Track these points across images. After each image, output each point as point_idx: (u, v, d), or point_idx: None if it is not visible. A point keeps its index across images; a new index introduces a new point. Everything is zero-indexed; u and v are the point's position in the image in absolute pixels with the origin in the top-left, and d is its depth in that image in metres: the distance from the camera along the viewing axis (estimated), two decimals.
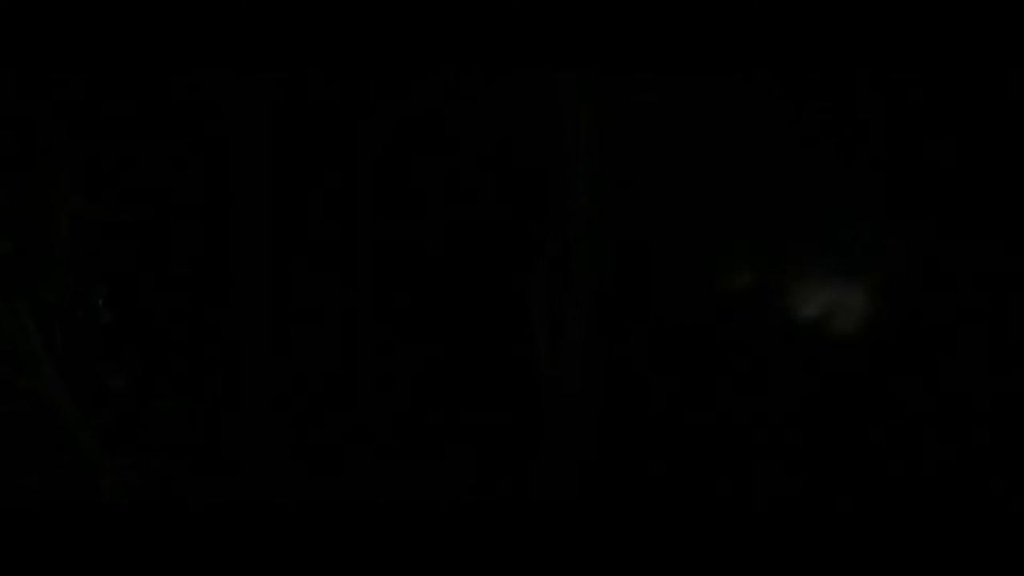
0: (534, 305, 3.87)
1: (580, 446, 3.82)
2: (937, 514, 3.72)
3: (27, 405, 3.22)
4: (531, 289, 3.89)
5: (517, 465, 3.81)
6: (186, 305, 3.61)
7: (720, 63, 3.76)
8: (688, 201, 4.01)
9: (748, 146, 4.01)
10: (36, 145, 3.52)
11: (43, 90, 3.54)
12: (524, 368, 3.91)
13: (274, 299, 3.71)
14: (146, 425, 3.37)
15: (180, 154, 3.67)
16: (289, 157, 3.79)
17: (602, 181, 3.82)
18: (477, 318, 3.92)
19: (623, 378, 3.94)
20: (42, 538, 3.12)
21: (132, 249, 3.61)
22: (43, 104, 3.57)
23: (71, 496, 3.28)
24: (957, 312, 3.94)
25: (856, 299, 4.04)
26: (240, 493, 3.48)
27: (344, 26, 3.58)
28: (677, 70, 3.77)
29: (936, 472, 3.87)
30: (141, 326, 3.54)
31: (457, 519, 3.57)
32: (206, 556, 3.26)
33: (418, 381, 3.84)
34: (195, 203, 3.68)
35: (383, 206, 3.83)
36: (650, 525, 3.65)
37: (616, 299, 3.95)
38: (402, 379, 3.80)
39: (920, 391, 3.90)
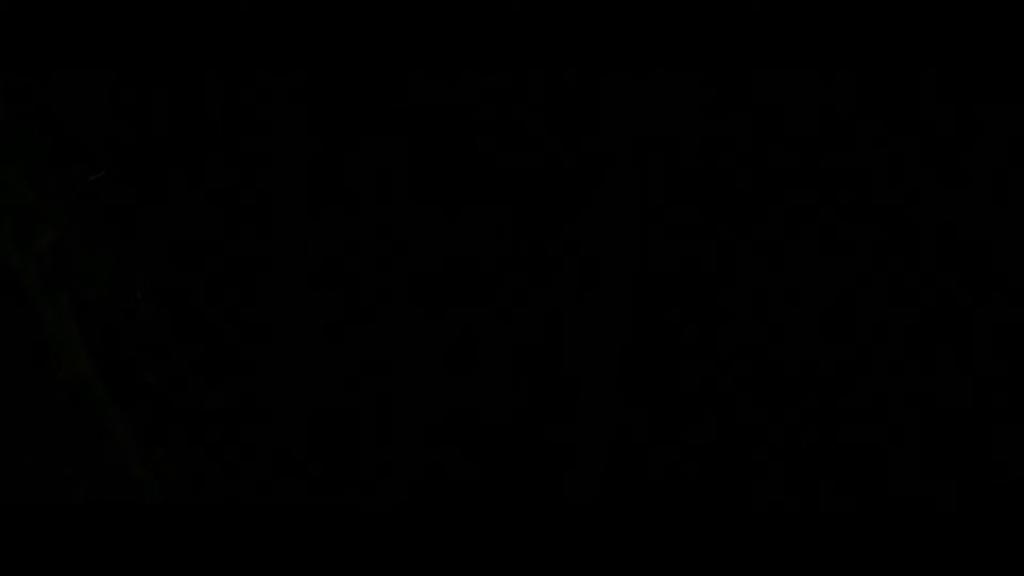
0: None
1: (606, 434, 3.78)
2: None
3: (65, 398, 3.22)
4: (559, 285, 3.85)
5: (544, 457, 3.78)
6: (228, 301, 3.61)
7: (723, 62, 3.72)
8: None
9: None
10: (81, 135, 3.53)
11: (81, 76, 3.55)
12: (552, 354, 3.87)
13: (315, 297, 3.69)
14: (184, 420, 3.36)
15: (221, 147, 3.65)
16: (325, 147, 3.77)
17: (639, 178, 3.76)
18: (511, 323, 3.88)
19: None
20: (76, 535, 3.14)
21: (174, 243, 3.61)
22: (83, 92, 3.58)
23: (107, 489, 3.29)
24: None
25: None
26: (274, 492, 3.47)
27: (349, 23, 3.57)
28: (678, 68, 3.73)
29: None
30: (182, 321, 3.54)
31: (463, 519, 3.56)
32: (236, 555, 3.27)
33: (452, 379, 3.81)
34: (238, 199, 3.67)
35: (418, 197, 3.79)
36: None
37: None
38: (438, 375, 3.77)
39: None
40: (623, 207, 3.79)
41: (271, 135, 3.66)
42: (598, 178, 3.80)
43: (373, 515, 3.43)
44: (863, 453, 3.87)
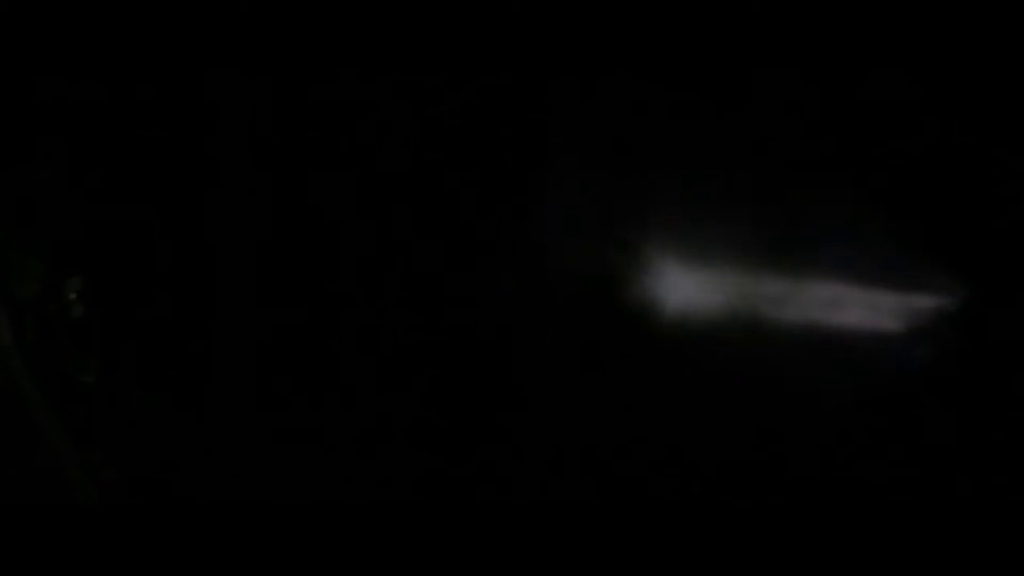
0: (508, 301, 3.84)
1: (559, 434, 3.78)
2: None
3: None
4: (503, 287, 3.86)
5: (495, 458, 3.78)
6: (161, 299, 3.57)
7: (722, 62, 3.75)
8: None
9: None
10: (13, 137, 3.48)
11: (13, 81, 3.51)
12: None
13: (252, 292, 3.66)
14: (120, 421, 3.32)
15: (159, 148, 3.62)
16: (269, 148, 3.75)
17: (583, 174, 3.78)
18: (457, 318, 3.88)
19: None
20: (9, 537, 3.09)
21: (107, 242, 3.56)
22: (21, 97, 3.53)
23: (42, 492, 3.24)
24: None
25: None
26: (216, 490, 3.44)
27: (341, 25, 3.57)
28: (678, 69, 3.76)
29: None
30: (115, 320, 3.49)
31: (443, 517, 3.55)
32: (172, 556, 3.23)
33: (401, 376, 3.80)
34: (173, 197, 3.64)
35: (365, 199, 3.79)
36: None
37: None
38: (386, 373, 3.75)
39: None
40: None
41: (201, 135, 3.65)
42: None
43: (309, 512, 3.41)
44: None
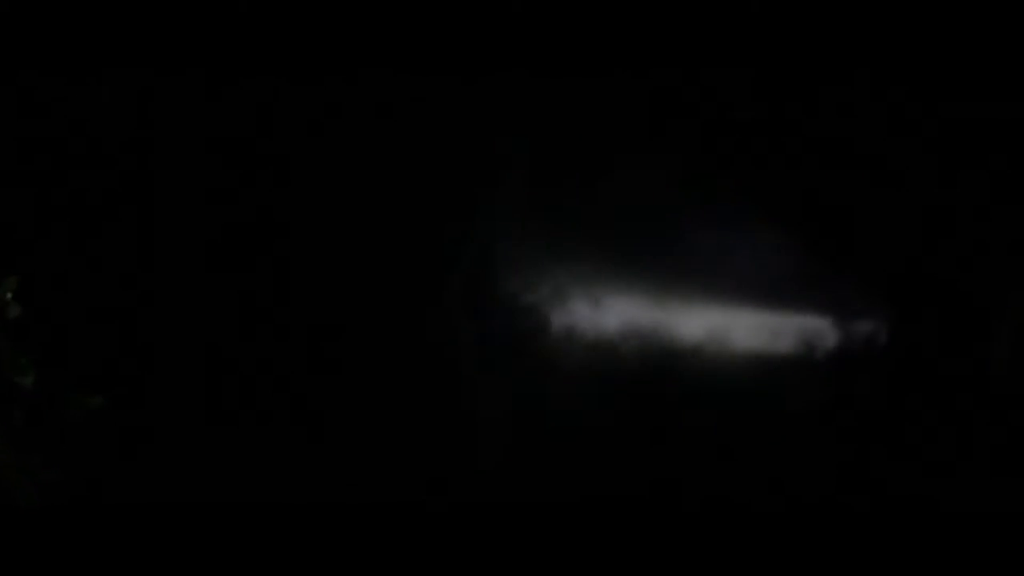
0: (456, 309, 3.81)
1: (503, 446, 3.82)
2: None
3: None
4: (453, 293, 3.82)
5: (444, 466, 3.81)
6: (100, 302, 3.53)
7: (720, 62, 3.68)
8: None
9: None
10: None
11: None
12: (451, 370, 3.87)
13: (190, 292, 3.62)
14: (60, 424, 3.30)
15: (100, 151, 3.54)
16: (211, 154, 3.66)
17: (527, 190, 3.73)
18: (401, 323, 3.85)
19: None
20: None
21: (46, 245, 3.50)
22: None
23: None
24: None
25: None
26: (158, 490, 3.47)
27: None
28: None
29: None
30: (53, 322, 3.45)
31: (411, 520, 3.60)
32: (112, 557, 3.28)
33: (342, 380, 3.79)
34: (114, 200, 3.57)
35: (288, 204, 3.72)
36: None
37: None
38: (325, 377, 3.74)
39: None
40: None
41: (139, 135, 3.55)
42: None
43: (247, 510, 3.45)
44: None
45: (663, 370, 4.02)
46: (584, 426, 3.93)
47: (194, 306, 3.54)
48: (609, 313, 4.00)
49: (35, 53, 3.33)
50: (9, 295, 3.26)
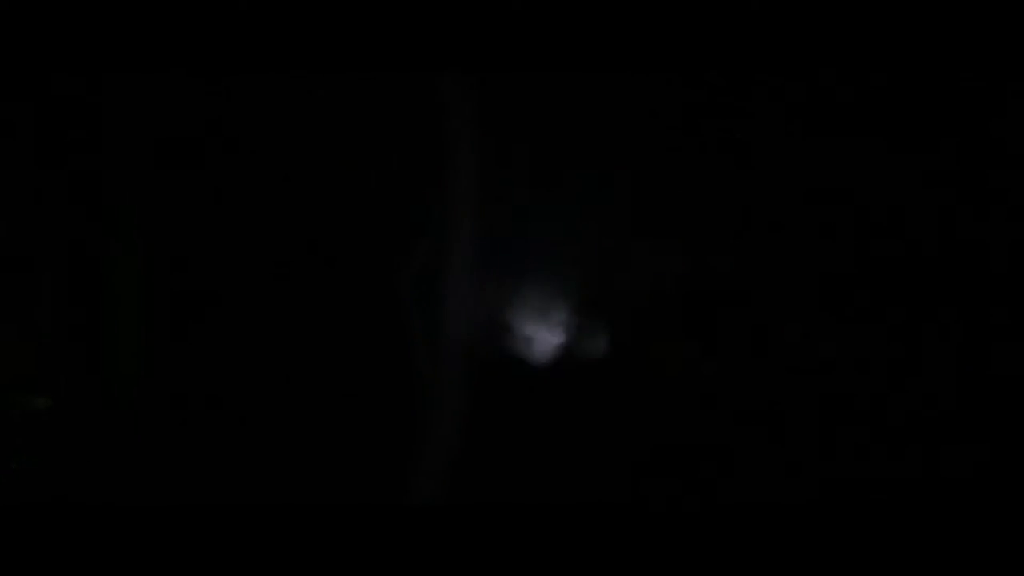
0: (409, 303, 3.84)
1: (454, 443, 3.85)
2: None
3: None
4: (405, 287, 3.85)
5: (393, 463, 3.84)
6: (50, 301, 3.57)
7: (719, 63, 3.74)
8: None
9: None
10: None
11: None
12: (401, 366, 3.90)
13: (140, 296, 3.66)
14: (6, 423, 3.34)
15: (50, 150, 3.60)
16: (165, 151, 3.73)
17: (480, 182, 3.78)
18: (353, 316, 3.89)
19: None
20: None
21: None
22: None
23: None
24: None
25: None
26: (105, 492, 3.48)
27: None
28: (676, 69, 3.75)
29: None
30: None
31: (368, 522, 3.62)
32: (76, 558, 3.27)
33: (293, 379, 3.82)
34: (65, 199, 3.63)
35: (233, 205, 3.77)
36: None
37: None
38: (278, 378, 3.78)
39: None
40: None
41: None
42: None
43: (203, 512, 3.46)
44: None
45: (613, 366, 4.04)
46: (537, 423, 3.93)
47: (141, 303, 3.56)
48: (561, 313, 4.03)
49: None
50: None
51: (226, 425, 3.75)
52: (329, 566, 3.50)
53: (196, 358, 3.59)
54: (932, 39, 3.91)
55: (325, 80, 3.71)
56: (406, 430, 3.88)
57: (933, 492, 3.97)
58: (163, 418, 3.64)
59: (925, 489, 3.97)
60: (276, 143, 3.81)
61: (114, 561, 3.23)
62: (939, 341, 4.11)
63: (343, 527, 3.63)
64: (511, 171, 3.95)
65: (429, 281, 3.86)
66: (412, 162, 3.85)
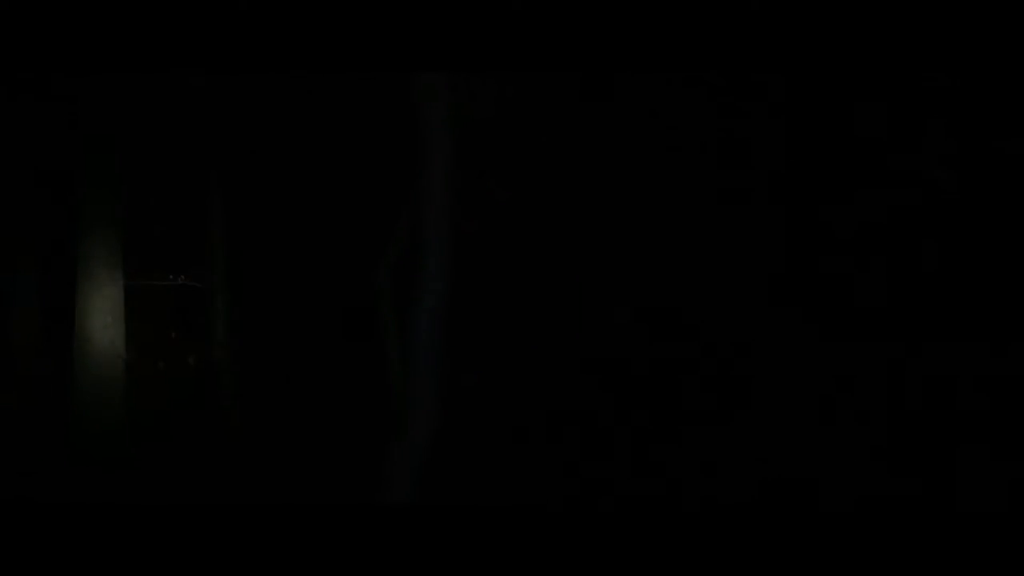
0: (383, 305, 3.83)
1: (427, 445, 3.84)
2: None
3: None
4: (380, 289, 3.83)
5: (369, 464, 3.87)
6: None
7: (718, 62, 3.70)
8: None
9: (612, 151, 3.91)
10: None
11: None
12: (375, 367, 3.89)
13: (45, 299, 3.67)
14: None
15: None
16: (137, 151, 3.74)
17: (455, 182, 3.75)
18: (328, 317, 3.89)
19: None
20: None
21: None
22: None
23: None
24: None
25: None
26: (88, 491, 3.51)
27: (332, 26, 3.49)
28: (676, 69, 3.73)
29: None
30: None
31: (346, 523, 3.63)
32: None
33: (264, 378, 3.84)
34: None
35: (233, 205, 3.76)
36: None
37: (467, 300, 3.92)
38: (249, 378, 3.79)
39: None
40: None
41: None
42: None
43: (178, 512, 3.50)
44: None
45: (595, 359, 4.02)
46: (515, 416, 3.92)
47: (112, 302, 3.56)
48: (539, 300, 4.02)
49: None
50: None
51: (205, 425, 3.78)
52: (306, 566, 3.53)
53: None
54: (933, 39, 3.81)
55: (301, 81, 3.70)
56: (380, 430, 3.89)
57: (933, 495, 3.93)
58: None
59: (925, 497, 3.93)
60: (253, 142, 3.82)
61: (88, 562, 3.28)
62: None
63: (318, 527, 3.66)
64: (484, 169, 3.92)
65: (404, 277, 3.85)
66: (387, 160, 3.84)
